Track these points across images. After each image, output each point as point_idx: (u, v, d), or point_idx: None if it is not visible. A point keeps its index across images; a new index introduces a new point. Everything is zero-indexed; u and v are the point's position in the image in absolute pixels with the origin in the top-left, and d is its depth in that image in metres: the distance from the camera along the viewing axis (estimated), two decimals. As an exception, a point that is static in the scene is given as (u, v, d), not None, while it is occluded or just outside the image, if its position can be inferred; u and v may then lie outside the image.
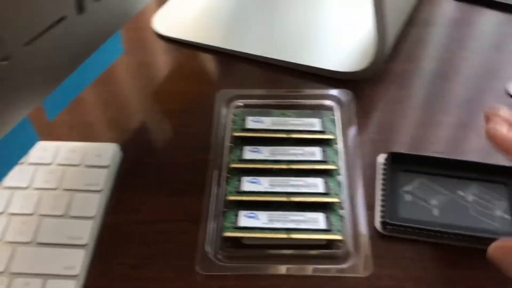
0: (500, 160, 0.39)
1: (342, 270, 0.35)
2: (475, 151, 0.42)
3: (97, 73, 0.40)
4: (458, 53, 0.51)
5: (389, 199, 0.38)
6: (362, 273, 0.35)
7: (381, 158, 0.41)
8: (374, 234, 0.37)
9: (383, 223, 0.37)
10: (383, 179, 0.39)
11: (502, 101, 0.46)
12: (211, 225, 0.37)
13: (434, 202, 0.38)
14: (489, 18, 0.55)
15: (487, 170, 0.39)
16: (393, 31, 0.47)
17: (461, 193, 0.38)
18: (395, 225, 0.36)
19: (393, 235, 0.37)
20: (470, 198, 0.38)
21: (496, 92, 0.47)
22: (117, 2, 0.36)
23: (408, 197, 0.38)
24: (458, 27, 0.54)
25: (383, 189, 0.39)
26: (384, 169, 0.40)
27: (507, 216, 0.37)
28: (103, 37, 0.37)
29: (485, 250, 0.35)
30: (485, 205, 0.38)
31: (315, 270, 0.35)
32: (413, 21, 0.54)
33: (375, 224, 0.37)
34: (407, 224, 0.36)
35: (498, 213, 0.37)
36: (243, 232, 0.36)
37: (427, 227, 0.36)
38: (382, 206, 0.38)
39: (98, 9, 0.34)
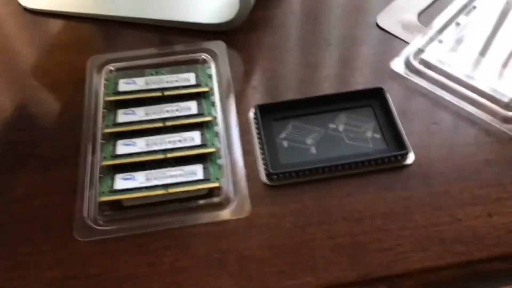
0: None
1: (222, 215, 0.36)
2: (353, 84, 0.43)
3: None
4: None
5: (268, 150, 0.38)
6: (242, 214, 0.35)
7: (251, 113, 0.41)
8: (257, 183, 0.37)
9: (268, 175, 0.37)
10: (258, 133, 0.40)
11: (373, 33, 0.47)
12: (88, 193, 0.36)
13: (310, 141, 0.39)
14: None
15: (352, 98, 0.41)
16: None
17: (332, 125, 0.40)
18: (279, 173, 0.37)
19: (279, 184, 0.37)
20: (341, 127, 0.40)
21: (367, 26, 0.48)
22: None
23: (285, 143, 0.39)
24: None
25: (259, 142, 0.39)
26: (256, 122, 0.40)
27: (377, 135, 0.39)
28: None
29: (365, 173, 0.37)
30: (356, 131, 0.39)
31: (195, 219, 0.35)
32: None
33: (260, 177, 0.37)
34: (289, 170, 0.37)
35: (369, 134, 0.39)
36: (120, 195, 0.36)
37: (307, 167, 0.37)
38: (263, 158, 0.38)
39: None
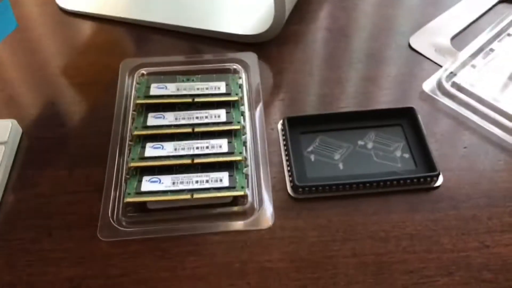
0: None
1: (245, 225, 0.35)
2: (382, 103, 0.43)
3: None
4: (360, 10, 0.52)
5: (295, 162, 0.38)
6: (265, 225, 0.35)
7: (280, 124, 0.41)
8: (282, 195, 0.37)
9: (293, 187, 0.37)
10: (285, 144, 0.40)
11: (405, 54, 0.47)
12: (113, 194, 0.36)
13: (337, 156, 0.39)
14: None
15: (382, 116, 0.41)
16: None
17: (361, 142, 0.39)
18: (304, 186, 0.36)
19: (304, 197, 0.37)
20: (370, 145, 0.39)
21: (399, 46, 0.48)
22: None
23: (312, 157, 0.39)
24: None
25: (286, 154, 0.39)
26: (284, 134, 0.40)
27: (406, 155, 0.38)
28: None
29: (392, 193, 0.36)
30: (384, 149, 0.39)
31: (218, 226, 0.35)
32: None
33: (286, 189, 0.37)
34: (315, 184, 0.36)
35: (398, 153, 0.39)
36: (145, 197, 0.36)
37: (333, 182, 0.36)
38: (289, 170, 0.38)
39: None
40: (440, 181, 0.37)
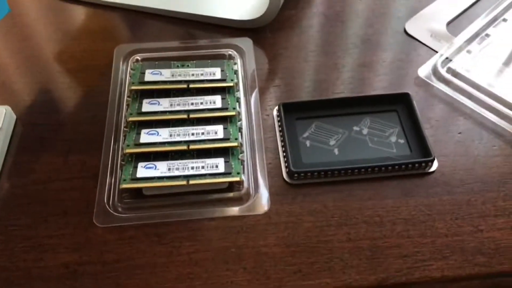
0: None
1: (241, 210, 0.35)
2: (377, 89, 0.43)
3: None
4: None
5: (290, 148, 0.38)
6: (261, 210, 0.35)
7: (275, 110, 0.41)
8: (278, 180, 0.37)
9: (289, 173, 0.37)
10: (280, 130, 0.40)
11: (400, 39, 0.47)
12: (109, 180, 0.36)
13: (332, 142, 0.39)
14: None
15: (377, 102, 0.41)
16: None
17: (356, 128, 0.40)
18: (300, 172, 0.37)
19: (300, 183, 0.37)
20: (365, 131, 0.39)
21: (394, 32, 0.48)
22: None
23: (307, 143, 0.39)
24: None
25: (282, 140, 0.39)
26: (279, 120, 0.40)
27: (401, 140, 0.39)
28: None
29: (387, 178, 0.36)
30: (380, 135, 0.39)
31: (214, 212, 0.35)
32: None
33: (281, 175, 0.37)
34: (311, 169, 0.37)
35: (393, 139, 0.39)
36: (141, 183, 0.36)
37: (329, 168, 0.37)
38: (284, 156, 0.38)
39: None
40: (435, 166, 0.37)
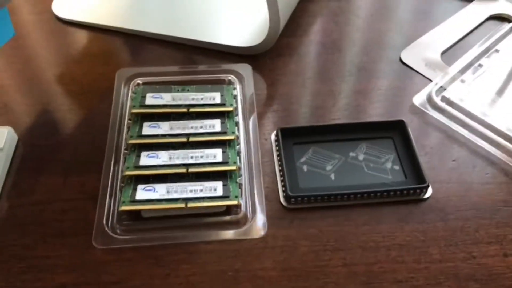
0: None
1: (238, 234, 0.36)
2: (373, 116, 0.44)
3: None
4: (352, 25, 0.53)
5: (288, 173, 0.39)
6: (258, 234, 0.36)
7: (273, 135, 0.42)
8: (275, 204, 0.38)
9: (286, 197, 0.38)
10: (278, 155, 0.40)
11: (396, 68, 0.48)
12: (108, 201, 0.37)
13: (329, 167, 0.40)
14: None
15: (373, 128, 0.42)
16: (287, 7, 0.48)
17: (352, 154, 0.40)
18: (297, 197, 0.37)
19: (297, 207, 0.37)
20: (361, 157, 0.40)
21: (390, 60, 0.49)
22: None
23: (304, 168, 0.40)
24: (349, 0, 0.56)
25: (279, 164, 0.40)
26: (277, 145, 0.41)
27: (396, 167, 0.39)
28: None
29: (383, 204, 0.37)
30: (375, 161, 0.40)
31: (212, 235, 0.36)
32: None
33: (279, 199, 0.38)
34: (307, 194, 0.37)
35: (389, 165, 0.39)
36: (140, 205, 0.36)
37: (325, 193, 0.37)
38: (282, 181, 0.39)
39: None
40: (429, 193, 0.38)
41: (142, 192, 0.37)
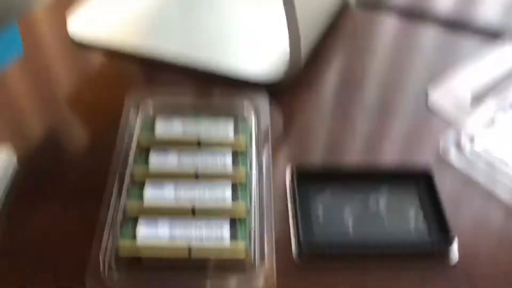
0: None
1: (244, 280, 0.33)
2: (393, 159, 0.41)
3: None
4: (376, 61, 0.50)
5: (302, 220, 0.36)
6: (264, 284, 0.33)
7: (288, 174, 0.39)
8: (287, 256, 0.35)
9: (299, 254, 0.35)
10: (292, 202, 0.37)
11: (421, 108, 0.45)
12: (106, 237, 0.34)
13: (347, 218, 0.36)
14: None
15: (396, 176, 0.39)
16: (309, 41, 0.46)
17: (372, 203, 0.37)
18: (311, 254, 0.35)
19: (310, 263, 0.35)
20: (382, 207, 0.37)
21: (414, 100, 0.46)
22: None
23: (320, 214, 0.37)
24: (372, 37, 0.54)
25: (293, 208, 0.37)
26: (291, 188, 0.38)
27: (420, 223, 0.36)
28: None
29: (404, 263, 0.34)
30: (397, 213, 0.36)
31: (216, 285, 0.33)
32: (333, 31, 0.53)
33: (291, 251, 0.35)
34: (323, 251, 0.35)
35: (412, 219, 0.36)
36: (140, 246, 0.33)
37: (343, 251, 0.35)
38: (295, 231, 0.36)
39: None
40: (455, 255, 0.34)
41: (144, 230, 0.34)
